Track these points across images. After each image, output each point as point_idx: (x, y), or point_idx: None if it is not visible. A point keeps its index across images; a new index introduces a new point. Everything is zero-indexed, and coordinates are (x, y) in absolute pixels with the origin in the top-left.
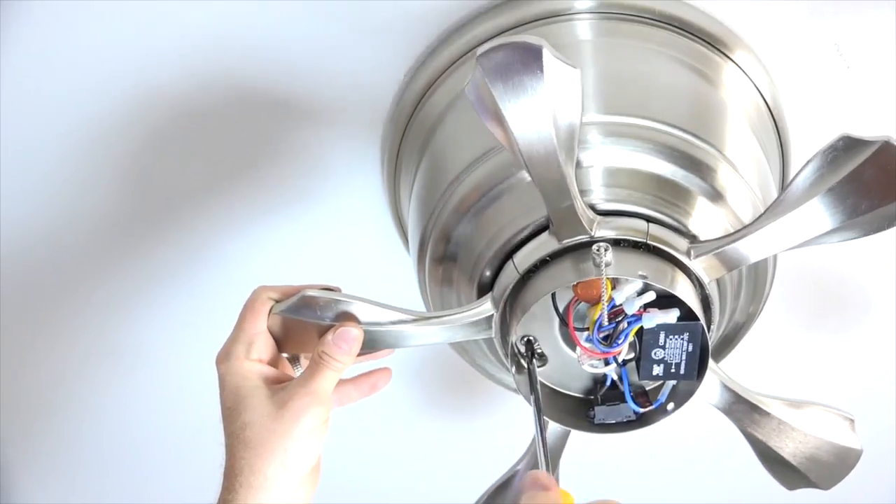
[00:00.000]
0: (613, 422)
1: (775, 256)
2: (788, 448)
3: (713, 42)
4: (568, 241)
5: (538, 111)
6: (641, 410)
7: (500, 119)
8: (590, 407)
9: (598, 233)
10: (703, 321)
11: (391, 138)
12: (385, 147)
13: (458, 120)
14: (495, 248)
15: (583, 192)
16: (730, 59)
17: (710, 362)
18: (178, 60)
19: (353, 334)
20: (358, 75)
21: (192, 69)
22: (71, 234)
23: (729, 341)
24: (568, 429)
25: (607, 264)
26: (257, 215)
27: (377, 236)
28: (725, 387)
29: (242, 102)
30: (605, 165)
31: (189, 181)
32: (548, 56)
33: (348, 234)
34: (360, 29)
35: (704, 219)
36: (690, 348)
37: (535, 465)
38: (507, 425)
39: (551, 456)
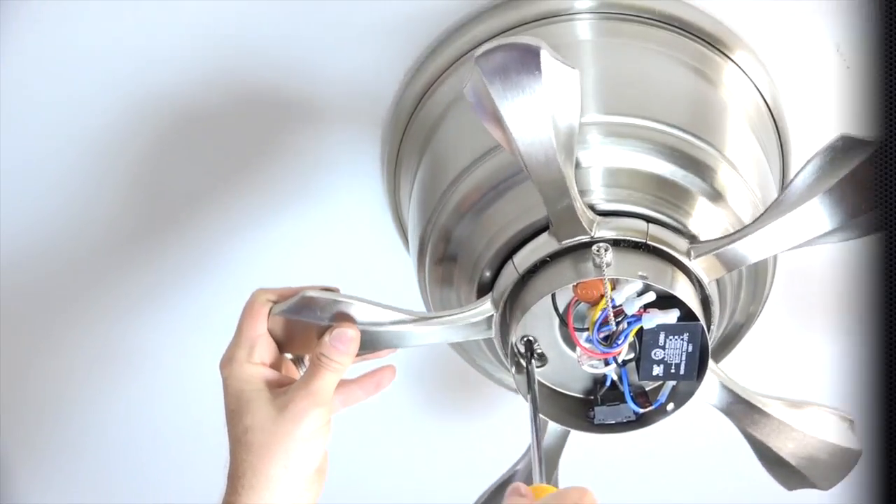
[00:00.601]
0: (613, 422)
1: (775, 256)
2: (788, 448)
3: (713, 42)
4: (568, 242)
5: (537, 112)
6: (641, 411)
7: (498, 120)
8: (590, 407)
9: (598, 233)
10: (702, 322)
11: (391, 139)
12: (385, 147)
13: (458, 120)
14: (495, 249)
15: (582, 193)
16: (730, 59)
17: (710, 363)
18: (177, 63)
19: (350, 335)
20: (358, 76)
21: (192, 72)
22: (75, 239)
23: (729, 341)
24: (567, 429)
25: (607, 264)
26: (260, 217)
27: (378, 236)
28: (725, 387)
29: (243, 104)
30: (605, 165)
31: (191, 185)
32: (546, 56)
33: (349, 234)
34: (360, 29)
35: (704, 219)
36: (690, 349)
37: None
38: (506, 425)
39: (551, 456)
